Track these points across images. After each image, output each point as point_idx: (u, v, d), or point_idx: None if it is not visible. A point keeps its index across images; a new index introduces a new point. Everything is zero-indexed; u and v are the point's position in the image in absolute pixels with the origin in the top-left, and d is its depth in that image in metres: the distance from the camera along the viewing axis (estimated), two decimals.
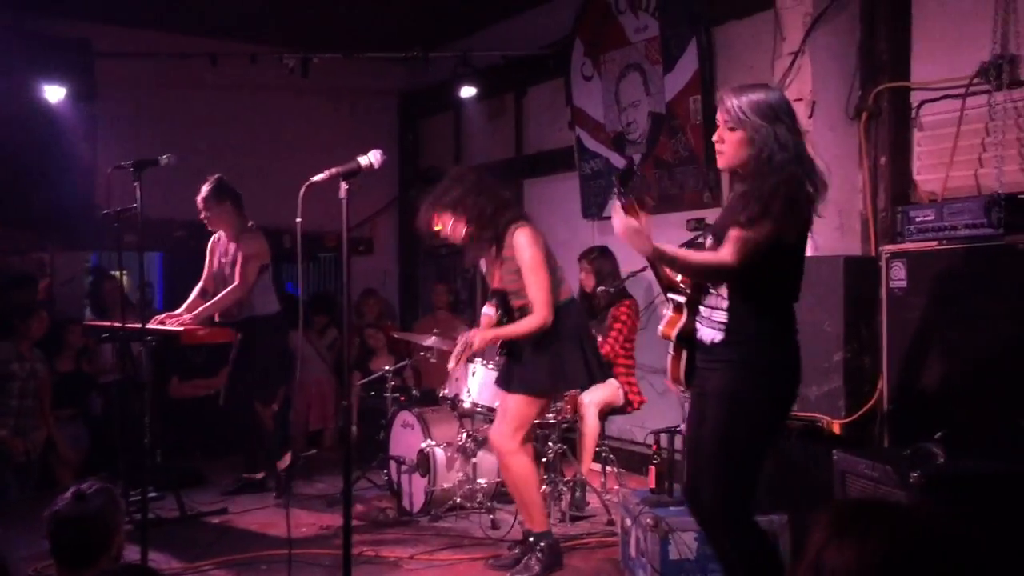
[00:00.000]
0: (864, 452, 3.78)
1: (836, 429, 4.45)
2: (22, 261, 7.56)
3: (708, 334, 3.09)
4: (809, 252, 3.26)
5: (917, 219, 3.99)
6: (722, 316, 3.04)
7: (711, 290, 3.11)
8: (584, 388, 4.85)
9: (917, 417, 3.87)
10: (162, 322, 5.49)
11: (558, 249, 6.09)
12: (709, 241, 3.19)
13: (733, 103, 2.99)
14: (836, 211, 4.74)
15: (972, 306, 3.71)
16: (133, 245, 4.31)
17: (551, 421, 5.14)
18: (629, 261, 5.47)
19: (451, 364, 4.61)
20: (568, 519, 5.13)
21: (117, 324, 4.94)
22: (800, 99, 4.88)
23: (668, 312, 3.28)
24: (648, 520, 3.88)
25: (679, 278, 3.24)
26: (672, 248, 3.03)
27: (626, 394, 5.65)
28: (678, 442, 4.51)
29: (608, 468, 5.73)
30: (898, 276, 4.01)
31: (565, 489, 5.24)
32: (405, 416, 5.57)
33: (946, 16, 4.57)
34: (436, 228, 4.31)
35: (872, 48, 4.78)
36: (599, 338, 5.59)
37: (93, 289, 7.87)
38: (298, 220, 3.08)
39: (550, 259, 4.29)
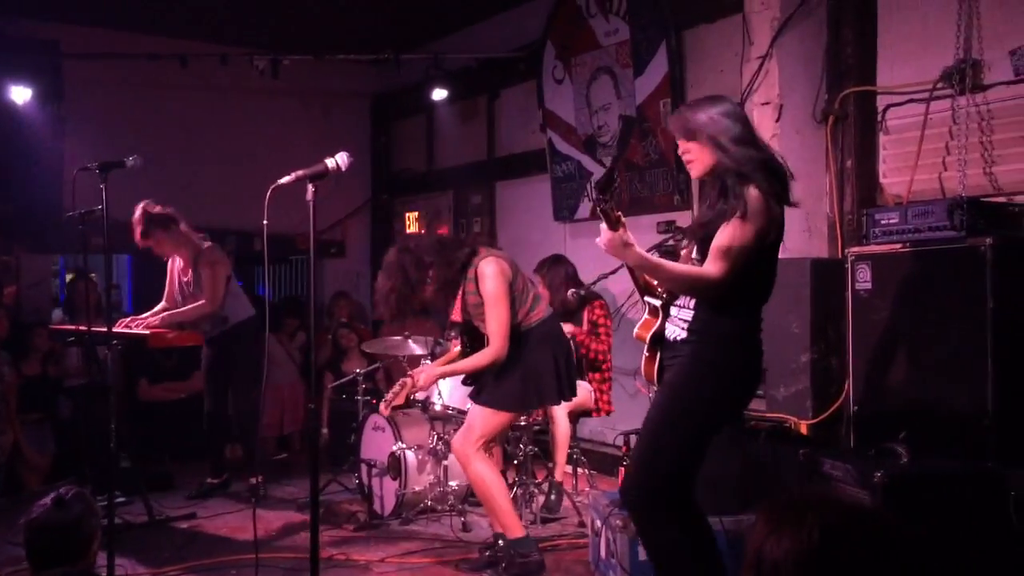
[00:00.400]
0: (830, 452, 3.83)
1: (803, 430, 4.50)
2: None
3: (673, 332, 3.12)
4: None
5: (882, 222, 4.02)
6: (688, 315, 3.07)
7: None
8: (554, 405, 4.79)
9: (882, 417, 3.91)
10: (127, 326, 5.44)
11: (529, 252, 6.13)
12: (686, 246, 3.20)
13: (685, 115, 3.05)
14: (803, 214, 4.79)
15: (935, 307, 3.75)
16: (99, 247, 4.27)
17: (522, 424, 5.14)
18: (594, 263, 5.46)
19: (382, 408, 4.49)
20: (539, 521, 5.14)
21: (83, 328, 4.89)
22: (768, 103, 4.93)
23: (644, 315, 3.30)
24: (618, 521, 3.90)
25: (656, 282, 3.25)
26: (657, 259, 3.04)
27: (597, 400, 5.67)
28: None
29: (580, 470, 5.74)
30: (863, 278, 4.04)
31: (537, 492, 5.24)
32: (376, 419, 5.56)
33: (911, 22, 4.62)
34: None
35: (838, 52, 4.83)
36: (591, 338, 5.61)
37: (69, 291, 7.79)
38: (265, 222, 3.07)
39: (520, 282, 4.24)
